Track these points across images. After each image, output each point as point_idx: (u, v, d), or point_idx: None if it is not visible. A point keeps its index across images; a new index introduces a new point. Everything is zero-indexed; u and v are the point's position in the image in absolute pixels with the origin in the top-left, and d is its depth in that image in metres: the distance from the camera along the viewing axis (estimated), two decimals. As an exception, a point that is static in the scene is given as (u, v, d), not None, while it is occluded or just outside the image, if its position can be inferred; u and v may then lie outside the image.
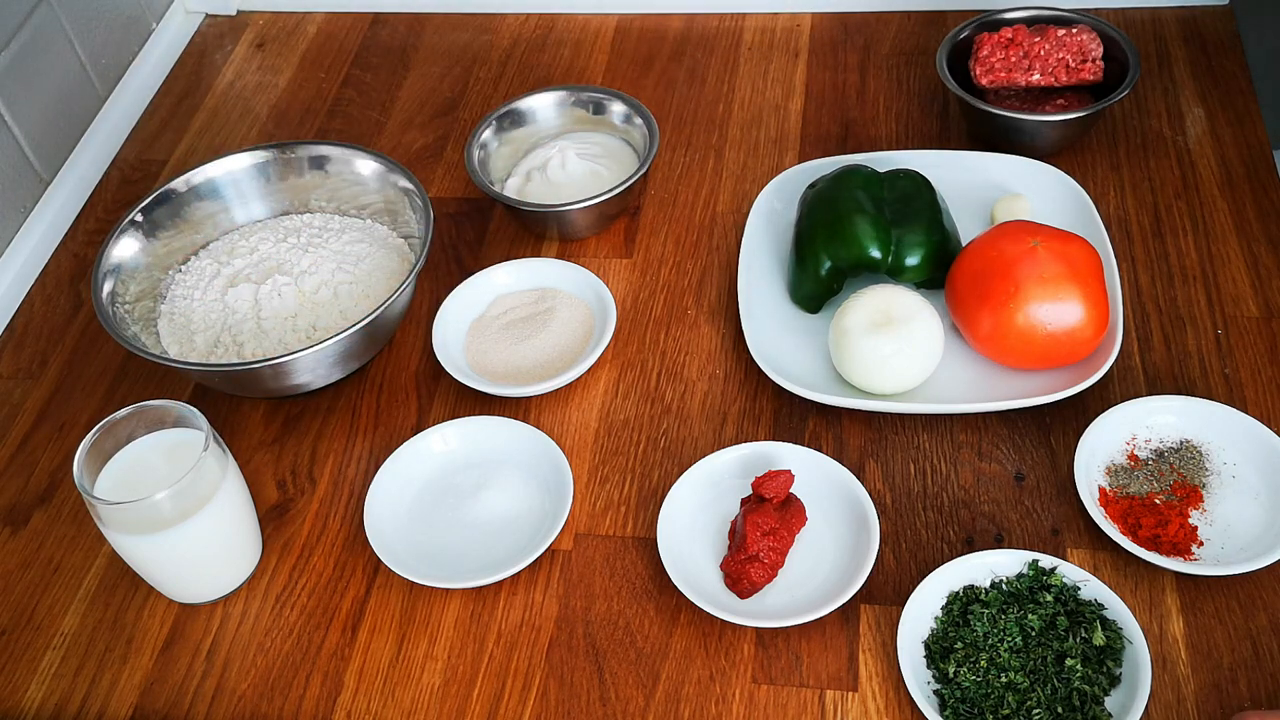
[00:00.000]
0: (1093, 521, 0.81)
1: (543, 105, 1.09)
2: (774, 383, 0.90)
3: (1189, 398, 0.85)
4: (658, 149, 1.05)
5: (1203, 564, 0.78)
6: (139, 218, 0.98)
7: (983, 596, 0.77)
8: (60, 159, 1.14)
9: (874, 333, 0.86)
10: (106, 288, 0.94)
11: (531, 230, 1.05)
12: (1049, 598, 0.77)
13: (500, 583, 0.83)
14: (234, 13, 1.34)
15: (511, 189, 1.06)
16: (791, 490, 0.81)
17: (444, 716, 0.78)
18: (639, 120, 1.06)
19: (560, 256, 1.03)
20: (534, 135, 1.09)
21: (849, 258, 0.91)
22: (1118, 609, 0.76)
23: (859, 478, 0.84)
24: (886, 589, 0.81)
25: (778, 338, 0.93)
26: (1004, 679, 0.74)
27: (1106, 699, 0.73)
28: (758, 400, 0.92)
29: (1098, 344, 0.87)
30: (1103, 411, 0.85)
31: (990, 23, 1.07)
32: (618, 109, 1.07)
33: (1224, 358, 0.90)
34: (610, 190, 0.99)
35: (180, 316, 0.97)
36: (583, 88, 1.09)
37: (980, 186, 1.01)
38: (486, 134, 1.06)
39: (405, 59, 1.25)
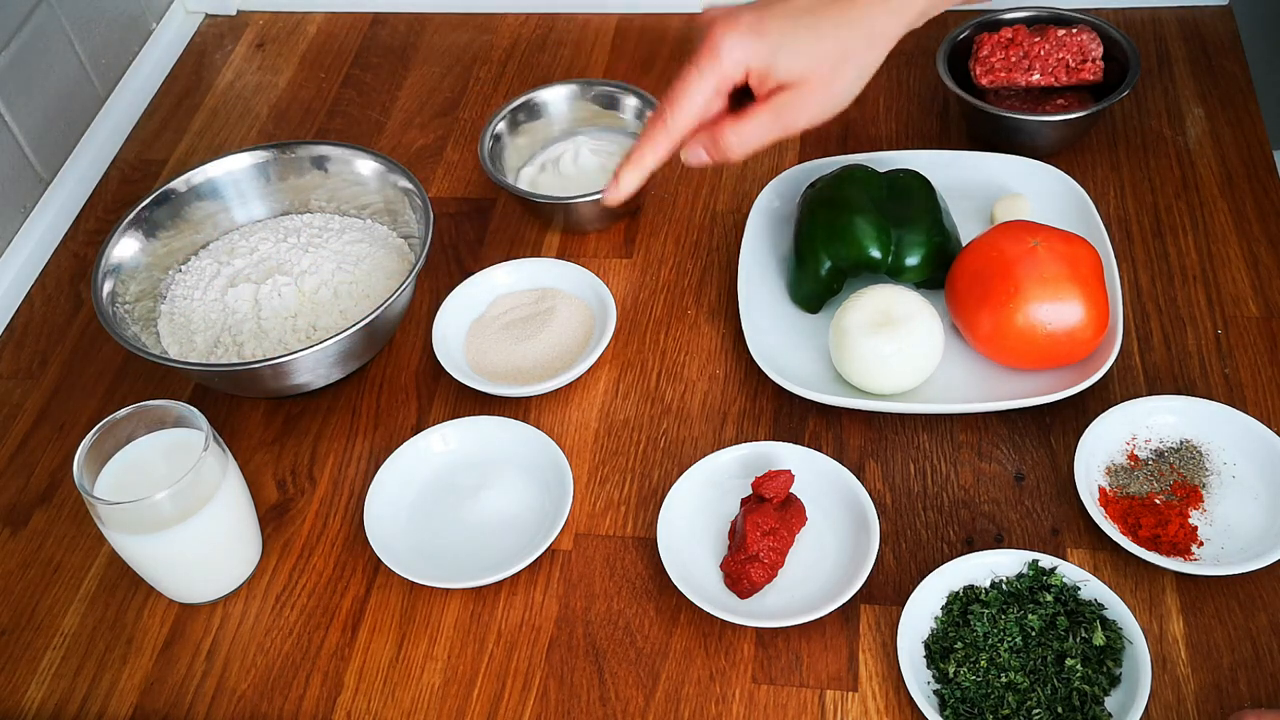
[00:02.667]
0: (1093, 521, 0.81)
1: (556, 99, 1.09)
2: (774, 383, 0.90)
3: (1189, 398, 0.85)
4: None
5: (1203, 564, 0.78)
6: (139, 218, 0.98)
7: (983, 596, 0.77)
8: (60, 159, 1.14)
9: (874, 333, 0.86)
10: (106, 288, 0.94)
11: (538, 217, 1.05)
12: (1049, 598, 0.77)
13: (500, 583, 0.83)
14: (234, 13, 1.34)
15: (524, 181, 1.07)
16: (791, 490, 0.81)
17: (444, 716, 0.78)
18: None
19: (561, 255, 1.03)
20: (547, 129, 1.10)
21: (849, 258, 0.91)
22: (1118, 609, 0.76)
23: (859, 478, 0.84)
24: (886, 589, 0.81)
25: (778, 338, 0.93)
26: (1004, 679, 0.74)
27: (1106, 699, 0.73)
28: (758, 400, 0.92)
29: (1098, 344, 0.87)
30: (1103, 411, 0.85)
31: (990, 23, 1.07)
32: (631, 103, 1.08)
33: (1224, 358, 0.90)
34: None
35: (180, 316, 0.97)
36: (599, 81, 1.09)
37: (980, 186, 1.01)
38: (500, 126, 1.07)
39: (405, 59, 1.25)
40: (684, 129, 0.77)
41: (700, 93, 0.76)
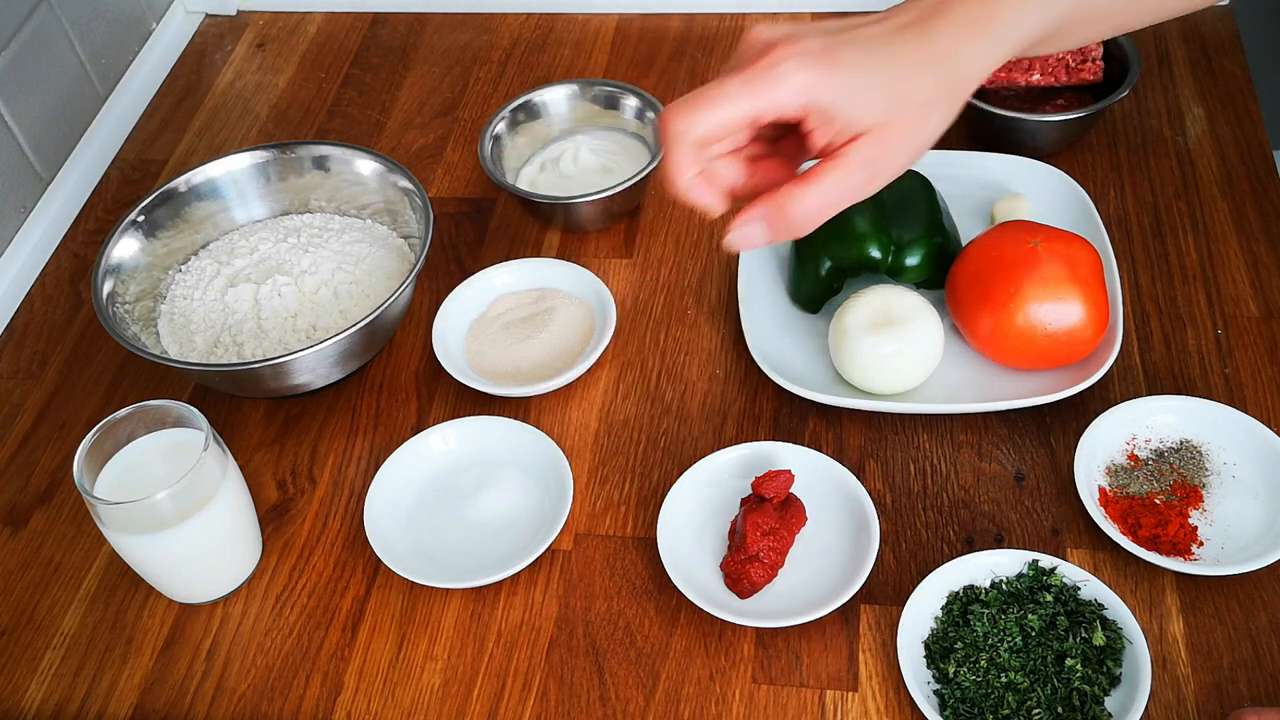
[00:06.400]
0: (1093, 521, 0.81)
1: (556, 99, 1.10)
2: (774, 383, 0.90)
3: (1189, 398, 0.85)
4: None
5: (1203, 564, 0.78)
6: (139, 218, 0.98)
7: (983, 596, 0.77)
8: (60, 159, 1.14)
9: (874, 333, 0.86)
10: (106, 288, 0.94)
11: (538, 217, 1.05)
12: (1049, 598, 0.77)
13: (500, 583, 0.83)
14: (234, 13, 1.34)
15: (524, 181, 1.07)
16: (791, 490, 0.81)
17: (444, 716, 0.78)
18: (651, 115, 1.06)
19: (561, 255, 1.03)
20: (547, 130, 1.10)
21: (849, 258, 0.91)
22: (1118, 609, 0.76)
23: (859, 478, 0.84)
24: (886, 589, 0.81)
25: (778, 338, 0.93)
26: (1004, 679, 0.74)
27: (1106, 699, 0.73)
28: (758, 400, 0.92)
29: (1098, 344, 0.87)
30: (1103, 411, 0.85)
31: (990, 23, 1.07)
32: (631, 103, 1.08)
33: (1224, 358, 0.90)
34: (619, 185, 1.00)
35: (180, 316, 0.97)
36: (599, 81, 1.10)
37: (980, 186, 1.01)
38: (500, 127, 1.07)
39: (405, 59, 1.25)
40: (701, 139, 0.59)
41: (738, 110, 0.58)
